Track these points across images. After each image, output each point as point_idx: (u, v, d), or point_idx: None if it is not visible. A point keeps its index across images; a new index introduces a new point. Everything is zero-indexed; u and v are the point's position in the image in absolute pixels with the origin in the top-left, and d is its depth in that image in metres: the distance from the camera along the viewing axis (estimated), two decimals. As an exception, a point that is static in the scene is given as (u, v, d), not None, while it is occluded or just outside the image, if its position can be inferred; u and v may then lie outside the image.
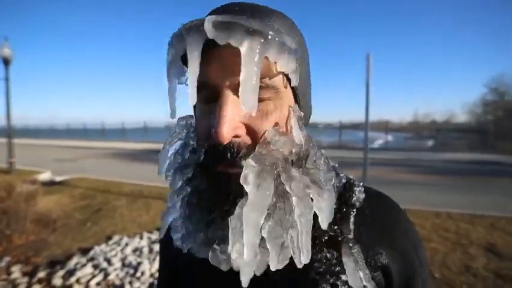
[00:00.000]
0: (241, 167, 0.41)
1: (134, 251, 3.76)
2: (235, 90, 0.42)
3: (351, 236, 0.48)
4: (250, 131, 0.44)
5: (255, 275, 0.44)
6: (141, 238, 4.14)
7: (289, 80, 0.45)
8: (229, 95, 0.42)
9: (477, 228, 4.49)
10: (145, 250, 3.74)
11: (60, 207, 5.66)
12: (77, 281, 3.03)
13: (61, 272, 3.21)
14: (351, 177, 0.55)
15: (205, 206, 0.46)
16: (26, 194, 4.79)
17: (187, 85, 0.43)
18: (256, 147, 0.43)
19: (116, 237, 4.20)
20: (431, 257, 3.56)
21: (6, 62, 9.96)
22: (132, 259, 3.51)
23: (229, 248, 0.42)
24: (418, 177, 9.40)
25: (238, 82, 0.40)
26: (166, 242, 0.63)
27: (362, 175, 6.35)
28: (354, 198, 0.51)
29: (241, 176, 0.40)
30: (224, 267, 0.46)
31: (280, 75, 0.44)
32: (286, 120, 0.47)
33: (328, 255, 0.47)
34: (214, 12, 0.47)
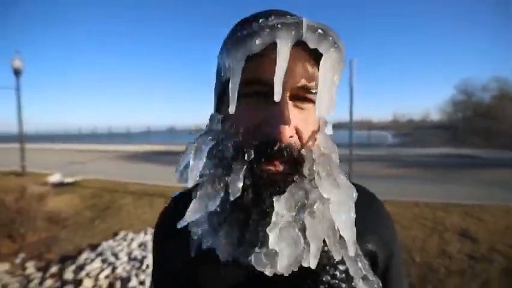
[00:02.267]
0: (295, 169, 0.41)
1: (140, 245, 3.71)
2: (291, 92, 0.41)
3: None
4: (298, 133, 0.43)
5: (254, 269, 0.41)
6: (146, 233, 4.09)
7: None
8: (287, 97, 0.41)
9: (452, 215, 4.54)
10: (150, 244, 3.69)
11: (70, 207, 5.58)
12: (87, 274, 2.98)
13: (72, 267, 3.15)
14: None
15: (244, 205, 0.41)
16: (37, 195, 4.71)
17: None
18: (314, 152, 0.42)
19: (122, 233, 4.14)
20: (411, 243, 3.58)
21: (18, 72, 9.81)
22: (138, 253, 3.46)
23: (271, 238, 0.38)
24: (398, 171, 9.48)
25: (299, 86, 0.41)
26: (167, 237, 0.56)
27: (348, 170, 6.38)
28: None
29: (316, 181, 0.39)
30: (269, 272, 0.41)
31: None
32: (318, 127, 0.46)
33: (326, 248, 0.45)
34: (259, 16, 0.43)
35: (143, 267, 3.13)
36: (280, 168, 0.40)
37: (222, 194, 0.41)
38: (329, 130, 0.47)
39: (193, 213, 0.41)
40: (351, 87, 6.30)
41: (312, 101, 0.43)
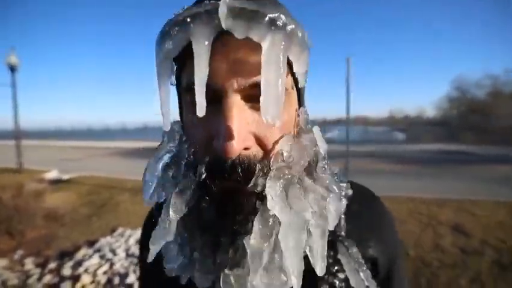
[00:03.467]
0: (255, 184, 0.34)
1: (137, 242, 3.73)
2: (243, 93, 0.33)
3: (343, 233, 0.45)
4: (259, 140, 0.35)
5: None
6: (144, 229, 4.11)
7: (295, 80, 0.37)
8: (235, 100, 0.33)
9: (445, 210, 4.61)
10: (148, 240, 3.71)
11: (68, 203, 5.57)
12: (86, 270, 2.99)
13: (70, 263, 3.16)
14: (336, 170, 0.46)
15: (210, 227, 0.37)
16: (35, 192, 4.71)
17: (172, 85, 0.35)
18: (272, 164, 0.34)
19: (120, 230, 4.15)
20: (406, 237, 3.63)
21: (13, 69, 9.72)
22: (135, 249, 3.48)
23: (253, 275, 0.34)
24: (394, 166, 9.56)
25: (250, 84, 0.33)
26: (150, 270, 0.53)
27: (344, 166, 6.43)
28: (343, 195, 0.45)
29: (268, 202, 0.33)
30: None
31: (290, 75, 0.37)
32: (294, 124, 0.39)
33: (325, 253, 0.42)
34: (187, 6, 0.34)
35: (142, 262, 3.15)
36: (235, 185, 0.34)
37: (175, 217, 0.36)
38: (303, 123, 0.40)
39: (155, 244, 0.37)
40: (347, 84, 6.34)
41: (284, 90, 0.35)
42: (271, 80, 0.30)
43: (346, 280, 0.42)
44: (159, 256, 0.41)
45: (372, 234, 0.47)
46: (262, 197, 0.35)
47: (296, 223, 0.33)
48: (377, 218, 0.50)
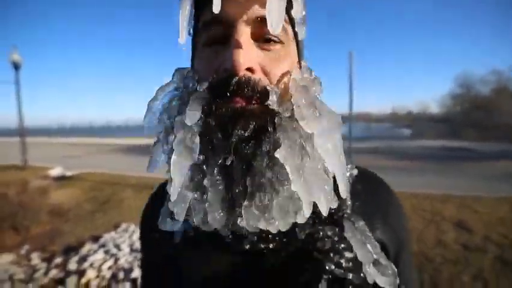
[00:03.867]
0: (261, 103, 0.35)
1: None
2: (251, 28, 0.37)
3: (349, 211, 0.42)
4: (265, 71, 0.37)
5: (255, 257, 0.38)
6: (148, 225, 4.14)
7: (295, 33, 0.41)
8: (245, 30, 0.36)
9: (448, 206, 4.60)
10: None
11: (72, 200, 5.62)
12: (91, 265, 3.03)
13: (76, 258, 3.20)
14: None
15: (218, 152, 0.35)
16: (39, 188, 4.76)
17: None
18: (291, 89, 0.36)
19: (124, 225, 4.19)
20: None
21: (16, 67, 9.77)
22: (139, 245, 3.52)
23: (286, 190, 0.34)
24: (397, 162, 9.54)
25: (256, 17, 0.36)
26: (150, 227, 0.50)
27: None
28: (347, 174, 0.44)
29: (296, 113, 0.34)
30: (263, 225, 0.35)
31: (289, 25, 0.40)
32: (298, 69, 0.42)
33: (329, 232, 0.40)
34: None
35: (146, 257, 3.19)
36: (243, 103, 0.35)
37: (194, 126, 0.35)
38: (306, 73, 0.42)
39: (178, 176, 0.34)
40: (350, 80, 6.32)
41: (282, 42, 0.39)
42: (275, 1, 0.34)
43: (353, 260, 0.39)
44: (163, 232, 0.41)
45: (379, 216, 0.45)
46: (275, 116, 0.35)
47: (329, 127, 0.34)
48: (384, 200, 0.48)
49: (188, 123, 0.34)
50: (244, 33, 0.36)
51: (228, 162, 0.34)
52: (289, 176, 0.33)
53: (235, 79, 0.34)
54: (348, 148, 6.59)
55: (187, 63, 0.45)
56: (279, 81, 0.37)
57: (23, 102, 10.40)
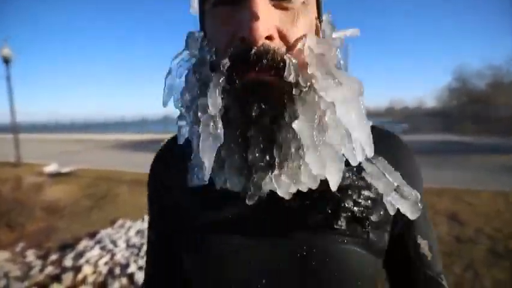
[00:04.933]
0: (285, 75, 0.33)
1: (137, 232, 3.79)
2: None
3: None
4: (282, 35, 0.35)
5: (272, 197, 0.37)
6: (143, 221, 4.16)
7: None
8: None
9: (442, 199, 4.66)
10: (147, 232, 3.77)
11: (68, 196, 5.61)
12: (87, 261, 3.05)
13: (71, 255, 3.22)
14: None
15: (238, 123, 0.35)
16: (34, 185, 4.74)
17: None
18: (306, 57, 0.35)
19: (120, 221, 4.20)
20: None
21: (7, 61, 9.63)
22: (136, 240, 3.54)
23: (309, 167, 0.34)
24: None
25: None
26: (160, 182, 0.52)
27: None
28: None
29: (318, 83, 0.33)
30: (285, 192, 0.36)
31: None
32: (316, 31, 0.40)
33: (348, 172, 0.40)
34: None
35: (142, 253, 3.21)
36: (262, 75, 0.34)
37: (217, 113, 0.34)
38: (328, 31, 0.41)
39: (208, 159, 0.35)
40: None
41: None
42: None
43: (372, 199, 0.40)
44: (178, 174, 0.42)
45: (395, 167, 0.41)
46: (292, 88, 0.34)
47: (350, 95, 0.33)
48: (397, 149, 0.47)
49: (212, 113, 0.34)
50: None
51: (249, 134, 0.34)
52: (304, 148, 0.34)
53: (254, 50, 0.32)
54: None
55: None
56: (294, 45, 0.36)
57: (16, 98, 10.29)
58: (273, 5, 0.35)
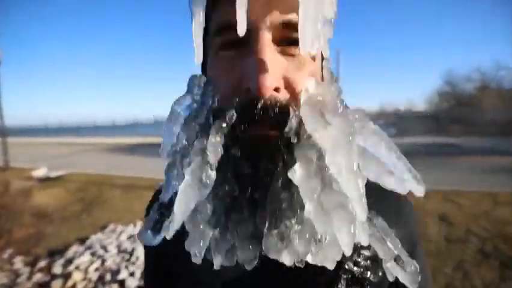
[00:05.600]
0: (289, 128, 0.32)
1: (129, 237, 3.73)
2: (274, 34, 0.33)
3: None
4: (287, 83, 0.34)
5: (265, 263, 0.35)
6: (135, 226, 4.11)
7: None
8: (268, 37, 0.32)
9: (432, 201, 4.74)
10: (140, 236, 3.72)
11: (57, 201, 5.50)
12: (77, 268, 2.99)
13: (61, 261, 3.15)
14: None
15: (243, 180, 0.33)
16: (22, 190, 4.64)
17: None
18: (301, 100, 0.32)
19: (111, 226, 4.14)
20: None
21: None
22: (127, 245, 3.49)
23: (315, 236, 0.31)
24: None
25: (283, 22, 0.32)
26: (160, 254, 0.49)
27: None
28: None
29: (307, 125, 0.31)
30: (288, 259, 0.33)
31: None
32: (321, 72, 0.39)
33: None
34: None
35: (133, 259, 3.16)
36: (267, 131, 0.32)
37: (214, 160, 0.31)
38: (327, 76, 0.40)
39: (181, 211, 0.31)
40: (337, 77, 6.40)
41: None
42: (311, 8, 0.30)
43: (371, 258, 0.38)
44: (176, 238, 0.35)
45: (392, 217, 0.41)
46: (294, 141, 0.32)
47: (340, 139, 0.30)
48: (395, 198, 0.46)
49: (211, 161, 0.31)
50: (267, 41, 0.32)
51: (256, 196, 0.32)
52: (303, 201, 0.31)
53: (261, 103, 0.31)
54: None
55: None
56: (299, 94, 0.34)
57: (4, 101, 10.07)
58: (280, 51, 0.34)
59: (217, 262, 0.34)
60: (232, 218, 0.33)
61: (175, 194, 0.32)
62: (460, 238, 3.40)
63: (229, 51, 0.35)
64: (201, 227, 0.33)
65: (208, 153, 0.31)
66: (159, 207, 0.37)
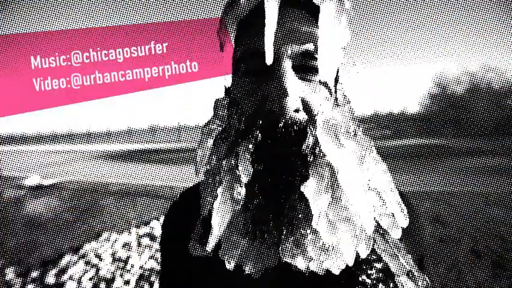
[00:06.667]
0: (303, 148, 0.35)
1: (124, 246, 3.69)
2: (293, 62, 0.37)
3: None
4: (305, 105, 0.38)
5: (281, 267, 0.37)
6: (130, 233, 4.06)
7: None
8: (288, 65, 0.37)
9: (425, 202, 4.79)
10: (134, 244, 3.68)
11: (50, 210, 5.42)
12: (70, 278, 2.95)
13: (54, 271, 3.10)
14: None
15: (268, 194, 0.36)
16: (14, 199, 4.56)
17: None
18: (319, 125, 0.36)
19: (105, 234, 4.09)
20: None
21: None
22: (122, 254, 3.45)
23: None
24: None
25: (302, 52, 0.37)
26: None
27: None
28: None
29: (322, 143, 0.35)
30: (302, 263, 0.35)
31: None
32: (335, 95, 0.43)
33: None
34: None
35: (128, 267, 3.13)
36: (287, 148, 0.36)
37: (245, 180, 0.35)
38: (341, 99, 0.43)
39: (219, 223, 0.34)
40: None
41: None
42: (327, 37, 0.34)
43: (383, 270, 0.39)
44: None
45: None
46: (310, 159, 0.36)
47: (352, 160, 0.34)
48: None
49: (244, 180, 0.35)
50: (288, 68, 0.36)
51: (279, 207, 0.36)
52: (312, 212, 0.34)
53: (282, 123, 0.35)
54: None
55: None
56: (315, 116, 0.38)
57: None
58: (299, 77, 0.38)
59: (247, 269, 0.37)
60: (259, 228, 0.37)
61: (211, 210, 0.36)
62: (453, 238, 3.44)
63: (256, 75, 0.38)
64: (234, 237, 0.37)
65: (239, 173, 0.35)
66: (202, 222, 0.40)
